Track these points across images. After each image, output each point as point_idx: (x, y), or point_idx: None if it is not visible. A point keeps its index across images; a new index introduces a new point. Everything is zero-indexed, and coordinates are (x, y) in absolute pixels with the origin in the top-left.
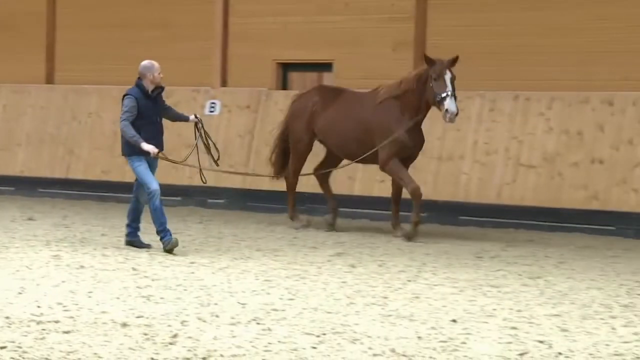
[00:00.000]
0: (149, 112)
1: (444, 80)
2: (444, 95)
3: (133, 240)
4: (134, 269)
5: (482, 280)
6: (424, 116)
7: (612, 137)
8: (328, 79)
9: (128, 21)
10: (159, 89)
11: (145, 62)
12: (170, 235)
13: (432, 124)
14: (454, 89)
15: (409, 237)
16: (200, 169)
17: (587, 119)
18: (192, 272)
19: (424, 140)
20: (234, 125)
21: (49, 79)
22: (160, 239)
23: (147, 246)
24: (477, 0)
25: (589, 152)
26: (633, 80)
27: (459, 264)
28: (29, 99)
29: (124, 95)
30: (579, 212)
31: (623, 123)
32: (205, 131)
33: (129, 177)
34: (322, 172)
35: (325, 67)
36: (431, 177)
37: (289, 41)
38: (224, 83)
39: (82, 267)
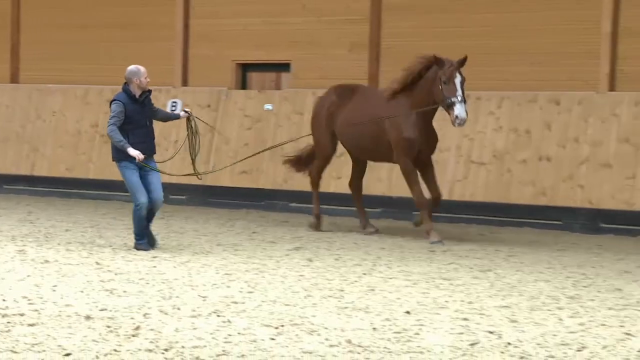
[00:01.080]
0: (137, 116)
1: (454, 84)
2: (454, 100)
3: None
4: (97, 263)
5: (435, 273)
6: (434, 111)
7: (559, 135)
8: (286, 79)
9: (91, 22)
10: (147, 92)
11: (131, 67)
12: (146, 241)
13: None
14: (463, 93)
15: (432, 237)
16: (194, 163)
17: (535, 118)
18: (154, 266)
19: (436, 137)
20: None
21: (14, 79)
22: (135, 240)
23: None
24: (430, 3)
25: (537, 150)
26: (578, 80)
27: (413, 257)
28: None
29: (112, 101)
30: (528, 208)
31: (569, 122)
32: (195, 123)
33: (93, 174)
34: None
35: (284, 67)
36: (386, 173)
37: (248, 42)
38: (184, 83)
39: (46, 261)
